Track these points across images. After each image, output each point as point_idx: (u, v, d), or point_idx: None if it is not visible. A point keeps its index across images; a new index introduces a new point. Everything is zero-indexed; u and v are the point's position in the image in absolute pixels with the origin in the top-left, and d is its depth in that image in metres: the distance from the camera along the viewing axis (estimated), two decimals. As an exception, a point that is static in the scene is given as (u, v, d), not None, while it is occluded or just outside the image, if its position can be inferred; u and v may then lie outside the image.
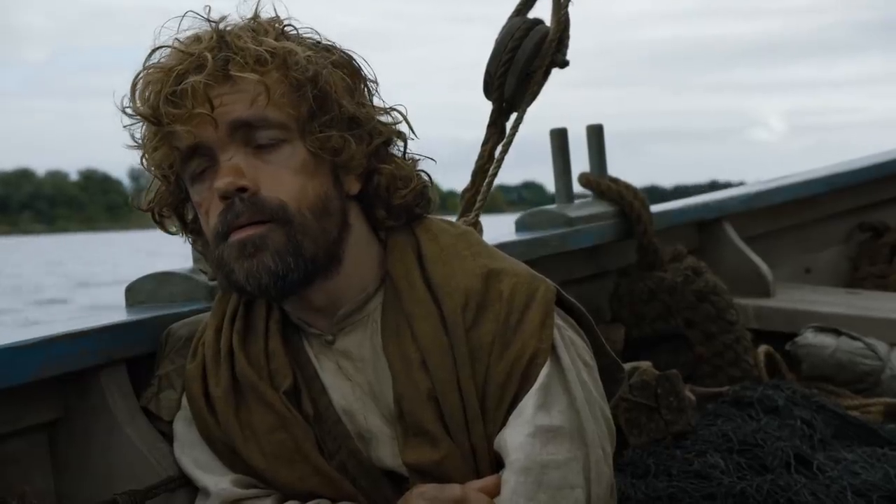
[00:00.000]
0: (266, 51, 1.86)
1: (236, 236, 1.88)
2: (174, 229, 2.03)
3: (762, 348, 3.41)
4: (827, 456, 2.70)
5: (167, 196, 1.98)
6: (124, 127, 1.93)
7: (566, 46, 2.82)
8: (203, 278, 2.33)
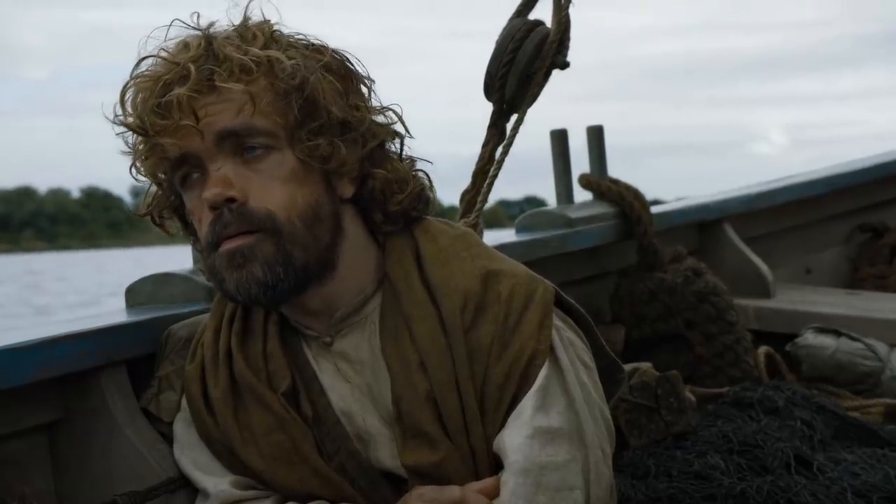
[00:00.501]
0: (251, 59, 1.86)
1: (226, 246, 1.88)
2: (174, 231, 2.03)
3: (762, 349, 3.41)
4: (827, 457, 2.70)
5: (164, 200, 1.98)
6: (117, 134, 1.93)
7: (567, 48, 2.82)
8: (202, 279, 2.33)
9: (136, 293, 2.38)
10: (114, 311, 2.35)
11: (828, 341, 3.47)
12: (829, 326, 3.53)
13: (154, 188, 1.98)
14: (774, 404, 2.91)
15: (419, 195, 1.99)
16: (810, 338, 3.49)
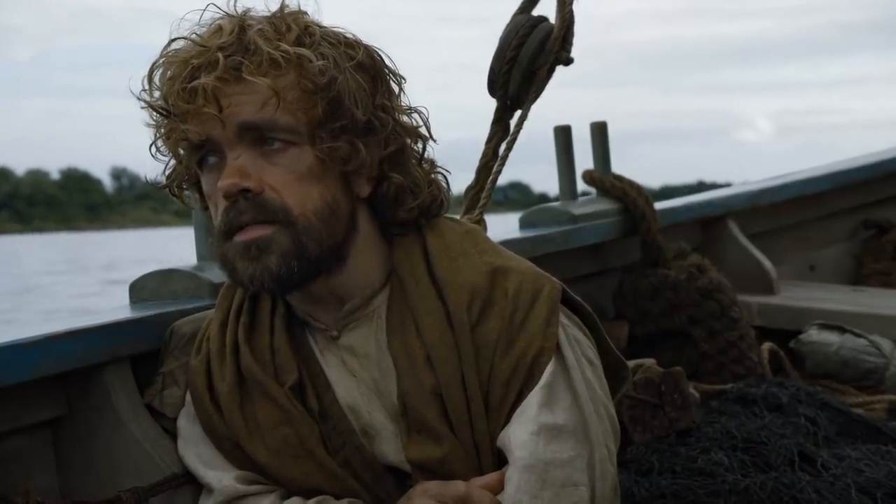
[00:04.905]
0: (281, 54, 1.85)
1: (241, 237, 1.87)
2: (192, 204, 2.02)
3: (766, 345, 3.41)
4: (831, 453, 2.70)
5: (183, 172, 1.98)
6: (142, 108, 1.93)
7: (570, 44, 2.82)
8: (207, 275, 2.33)
9: (141, 289, 2.38)
10: (118, 307, 2.35)
11: (832, 338, 3.48)
12: (834, 323, 3.53)
13: (174, 161, 1.97)
14: (778, 401, 2.91)
15: (430, 204, 1.98)
16: (814, 334, 3.49)
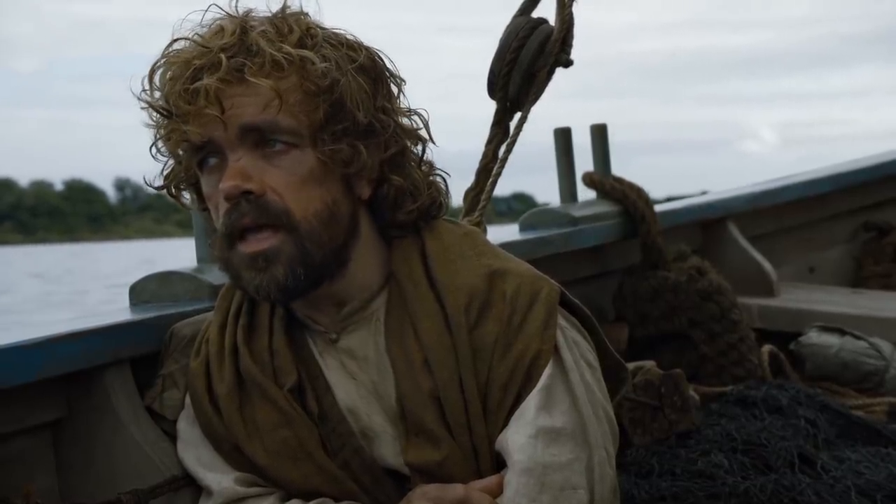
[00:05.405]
0: (284, 56, 1.85)
1: (246, 249, 1.87)
2: (188, 203, 2.02)
3: (766, 348, 3.41)
4: (831, 455, 2.70)
5: (181, 173, 1.97)
6: (142, 108, 1.92)
7: (570, 46, 2.82)
8: (207, 277, 2.33)
9: (140, 291, 2.38)
10: (118, 310, 2.35)
11: (832, 340, 3.48)
12: (833, 325, 3.53)
13: (172, 162, 1.97)
14: (778, 403, 2.91)
15: (429, 207, 1.98)
16: (814, 336, 3.49)
